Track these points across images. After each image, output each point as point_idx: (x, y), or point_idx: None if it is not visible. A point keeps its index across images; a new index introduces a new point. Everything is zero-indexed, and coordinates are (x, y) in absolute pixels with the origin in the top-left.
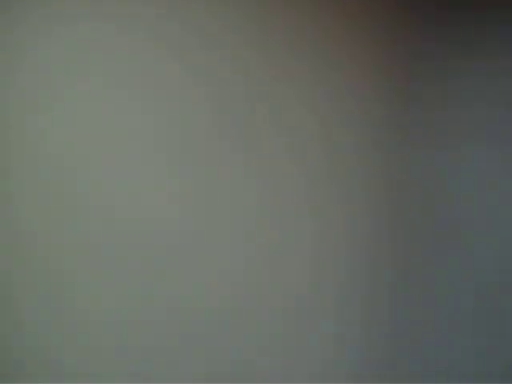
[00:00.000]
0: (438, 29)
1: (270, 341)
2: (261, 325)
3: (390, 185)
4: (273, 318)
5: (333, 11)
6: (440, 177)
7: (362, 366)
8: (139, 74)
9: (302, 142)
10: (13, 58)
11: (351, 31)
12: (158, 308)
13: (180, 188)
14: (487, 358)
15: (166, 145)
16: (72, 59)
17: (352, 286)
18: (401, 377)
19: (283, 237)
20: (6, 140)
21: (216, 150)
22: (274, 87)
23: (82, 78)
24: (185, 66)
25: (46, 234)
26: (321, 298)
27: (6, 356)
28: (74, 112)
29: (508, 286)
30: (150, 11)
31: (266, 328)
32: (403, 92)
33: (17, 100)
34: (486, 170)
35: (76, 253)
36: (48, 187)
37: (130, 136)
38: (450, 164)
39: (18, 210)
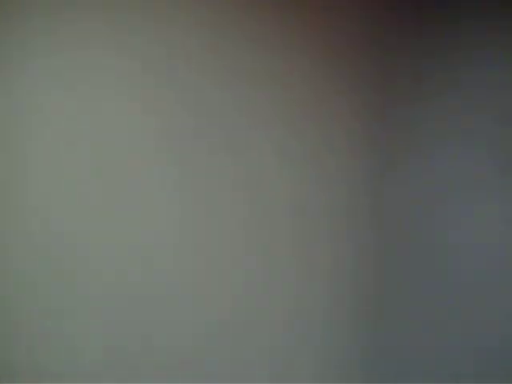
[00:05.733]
0: (440, 24)
1: (269, 344)
2: (259, 326)
3: (376, 188)
4: (271, 319)
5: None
6: (434, 175)
7: (361, 366)
8: (140, 75)
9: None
10: (12, 60)
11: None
12: (159, 318)
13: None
14: (487, 358)
15: (147, 144)
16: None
17: (352, 282)
18: (401, 377)
19: (272, 237)
20: (6, 139)
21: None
22: (269, 88)
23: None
24: (174, 61)
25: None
26: (315, 296)
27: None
28: (73, 114)
29: (507, 287)
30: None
31: (266, 329)
32: (402, 87)
33: (17, 101)
34: (485, 169)
35: (78, 254)
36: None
37: (129, 138)
38: (446, 162)
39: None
